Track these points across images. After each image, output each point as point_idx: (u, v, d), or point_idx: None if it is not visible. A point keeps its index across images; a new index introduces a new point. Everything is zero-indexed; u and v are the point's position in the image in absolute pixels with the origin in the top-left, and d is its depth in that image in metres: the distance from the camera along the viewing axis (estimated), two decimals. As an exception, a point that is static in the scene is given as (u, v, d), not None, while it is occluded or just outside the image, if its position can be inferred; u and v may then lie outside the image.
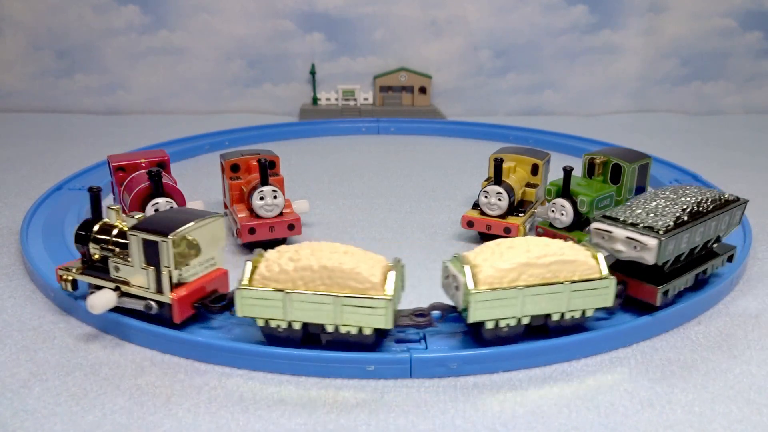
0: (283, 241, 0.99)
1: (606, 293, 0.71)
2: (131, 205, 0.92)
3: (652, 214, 0.74)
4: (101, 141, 1.56)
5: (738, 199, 0.81)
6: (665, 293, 0.75)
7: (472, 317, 0.67)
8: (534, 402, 0.64)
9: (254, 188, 0.95)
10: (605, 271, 0.71)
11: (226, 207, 1.06)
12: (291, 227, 0.96)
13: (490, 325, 0.68)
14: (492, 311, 0.67)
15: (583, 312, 0.71)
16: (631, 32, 1.86)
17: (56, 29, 1.81)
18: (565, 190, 0.96)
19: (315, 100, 1.83)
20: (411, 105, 1.83)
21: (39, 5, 1.78)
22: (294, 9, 1.80)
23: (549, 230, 0.97)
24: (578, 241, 0.93)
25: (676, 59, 1.91)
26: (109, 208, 0.76)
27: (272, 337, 0.69)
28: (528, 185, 1.04)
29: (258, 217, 0.96)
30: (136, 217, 0.72)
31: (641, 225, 0.73)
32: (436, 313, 0.73)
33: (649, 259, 0.71)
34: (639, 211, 0.75)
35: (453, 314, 0.73)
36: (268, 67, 1.86)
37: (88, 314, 0.77)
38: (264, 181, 0.95)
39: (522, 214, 1.00)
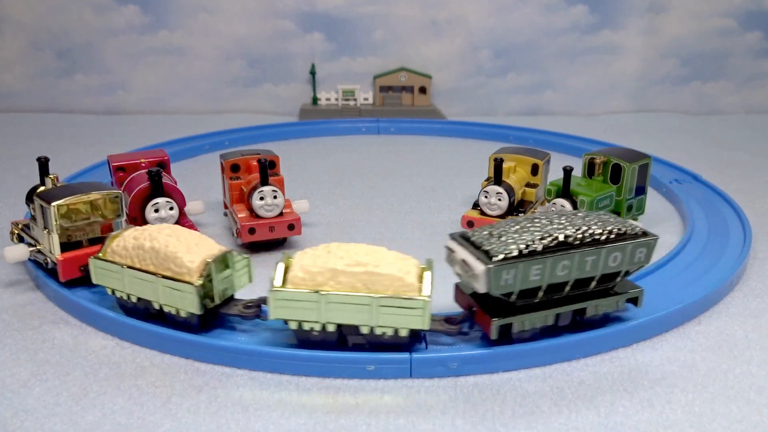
0: (283, 241, 1.00)
1: (421, 314, 0.65)
2: (131, 205, 0.92)
3: (503, 238, 0.66)
4: (101, 141, 1.56)
5: (646, 234, 0.70)
6: (506, 327, 0.68)
7: (273, 315, 0.67)
8: (534, 402, 0.64)
9: (254, 188, 0.95)
10: (426, 291, 0.66)
11: (226, 207, 1.06)
12: (291, 227, 0.96)
13: (293, 326, 0.68)
14: (293, 312, 0.66)
15: (396, 330, 0.67)
16: (631, 32, 1.86)
17: (56, 29, 1.81)
18: (565, 190, 0.96)
19: (315, 100, 1.83)
20: (411, 105, 1.83)
21: (39, 5, 1.78)
22: (294, 9, 1.80)
23: None
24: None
25: (676, 59, 1.91)
26: (47, 177, 0.86)
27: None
28: (528, 185, 1.04)
29: (258, 217, 0.96)
30: (57, 185, 0.84)
31: (482, 248, 0.66)
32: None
33: (479, 287, 0.65)
34: (497, 232, 0.68)
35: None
36: (268, 67, 1.86)
37: (88, 314, 0.77)
38: (264, 181, 0.95)
39: (522, 214, 1.00)
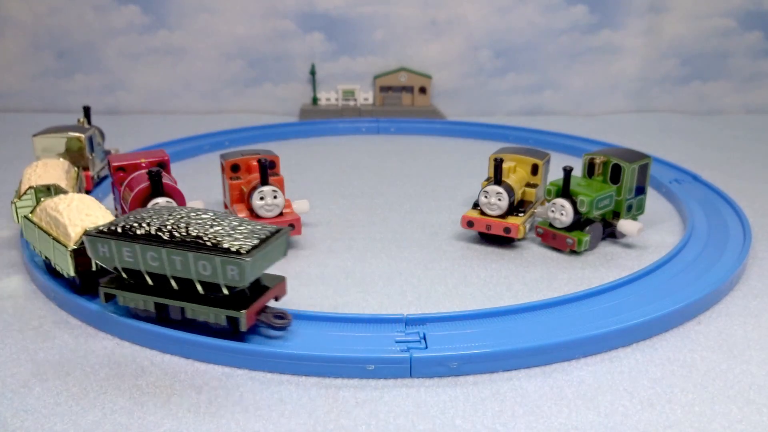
0: (283, 241, 0.99)
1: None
2: (131, 205, 0.92)
3: (137, 218, 0.71)
4: (101, 141, 1.56)
5: (239, 252, 0.65)
6: (112, 297, 0.73)
7: None
8: (534, 402, 0.64)
9: (254, 188, 0.95)
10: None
11: (226, 207, 1.06)
12: (291, 227, 0.96)
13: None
14: None
15: None
16: (631, 32, 1.86)
17: (56, 29, 1.81)
18: (565, 190, 0.96)
19: (315, 100, 1.83)
20: (411, 105, 1.84)
21: (39, 5, 1.78)
22: (294, 9, 1.81)
23: (549, 230, 0.98)
24: (579, 241, 0.94)
25: (676, 59, 1.91)
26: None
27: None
28: (528, 185, 1.04)
29: (258, 217, 0.96)
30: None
31: (114, 223, 0.72)
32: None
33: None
34: (148, 215, 0.71)
35: None
36: (268, 67, 1.86)
37: (88, 314, 0.77)
38: (264, 181, 0.95)
39: (522, 214, 1.00)
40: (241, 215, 0.96)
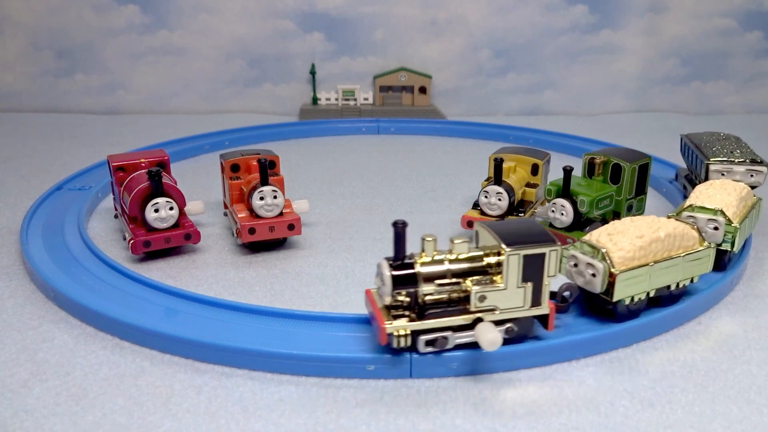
0: (283, 241, 1.00)
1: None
2: (131, 205, 0.92)
3: None
4: (101, 141, 1.56)
5: None
6: None
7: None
8: (534, 402, 0.64)
9: (254, 188, 0.95)
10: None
11: (226, 207, 1.06)
12: (291, 227, 0.96)
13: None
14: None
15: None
16: (631, 32, 1.86)
17: (56, 29, 1.81)
18: (565, 190, 0.96)
19: (315, 100, 1.83)
20: (411, 105, 1.83)
21: (39, 5, 1.78)
22: (294, 9, 1.80)
23: (549, 230, 0.97)
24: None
25: (676, 59, 1.91)
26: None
27: (627, 312, 0.75)
28: (528, 185, 1.04)
29: (258, 217, 0.96)
30: None
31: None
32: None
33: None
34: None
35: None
36: (268, 67, 1.86)
37: (88, 314, 0.77)
38: (264, 181, 0.95)
39: (522, 214, 1.00)
40: (240, 215, 0.96)
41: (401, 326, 0.65)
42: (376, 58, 1.85)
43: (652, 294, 0.76)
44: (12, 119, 1.76)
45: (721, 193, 0.88)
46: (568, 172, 0.95)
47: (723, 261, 0.86)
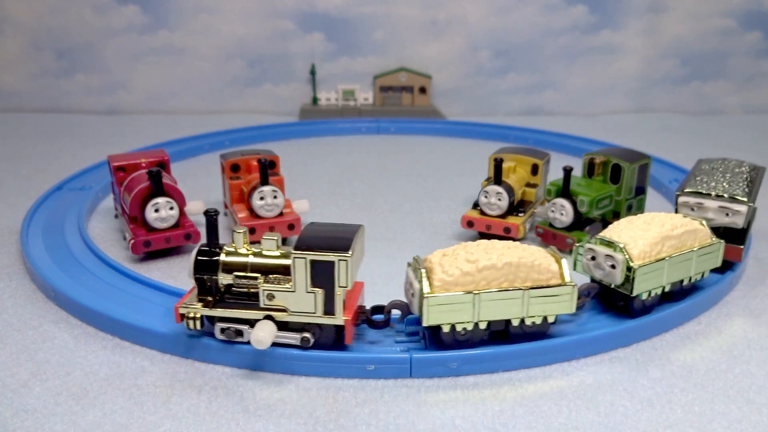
0: (283, 241, 0.99)
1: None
2: (131, 205, 0.92)
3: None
4: (101, 141, 1.56)
5: None
6: None
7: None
8: (534, 402, 0.64)
9: (254, 188, 0.95)
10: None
11: (226, 207, 1.06)
12: (291, 227, 0.96)
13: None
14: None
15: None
16: (631, 32, 1.86)
17: (56, 29, 1.81)
18: (565, 190, 0.96)
19: (315, 100, 1.83)
20: (411, 105, 1.83)
21: (39, 5, 1.78)
22: (294, 9, 1.80)
23: (549, 230, 0.98)
24: (578, 241, 0.94)
25: (676, 59, 1.91)
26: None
27: (454, 342, 0.69)
28: (528, 185, 1.04)
29: (258, 217, 0.96)
30: None
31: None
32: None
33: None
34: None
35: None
36: (268, 67, 1.86)
37: (88, 314, 0.77)
38: (264, 181, 0.95)
39: (522, 214, 1.00)
40: (240, 215, 0.96)
41: (193, 309, 0.68)
42: (376, 58, 1.85)
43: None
44: (12, 119, 1.76)
45: (642, 228, 0.76)
46: (567, 172, 0.95)
47: (632, 307, 0.75)
